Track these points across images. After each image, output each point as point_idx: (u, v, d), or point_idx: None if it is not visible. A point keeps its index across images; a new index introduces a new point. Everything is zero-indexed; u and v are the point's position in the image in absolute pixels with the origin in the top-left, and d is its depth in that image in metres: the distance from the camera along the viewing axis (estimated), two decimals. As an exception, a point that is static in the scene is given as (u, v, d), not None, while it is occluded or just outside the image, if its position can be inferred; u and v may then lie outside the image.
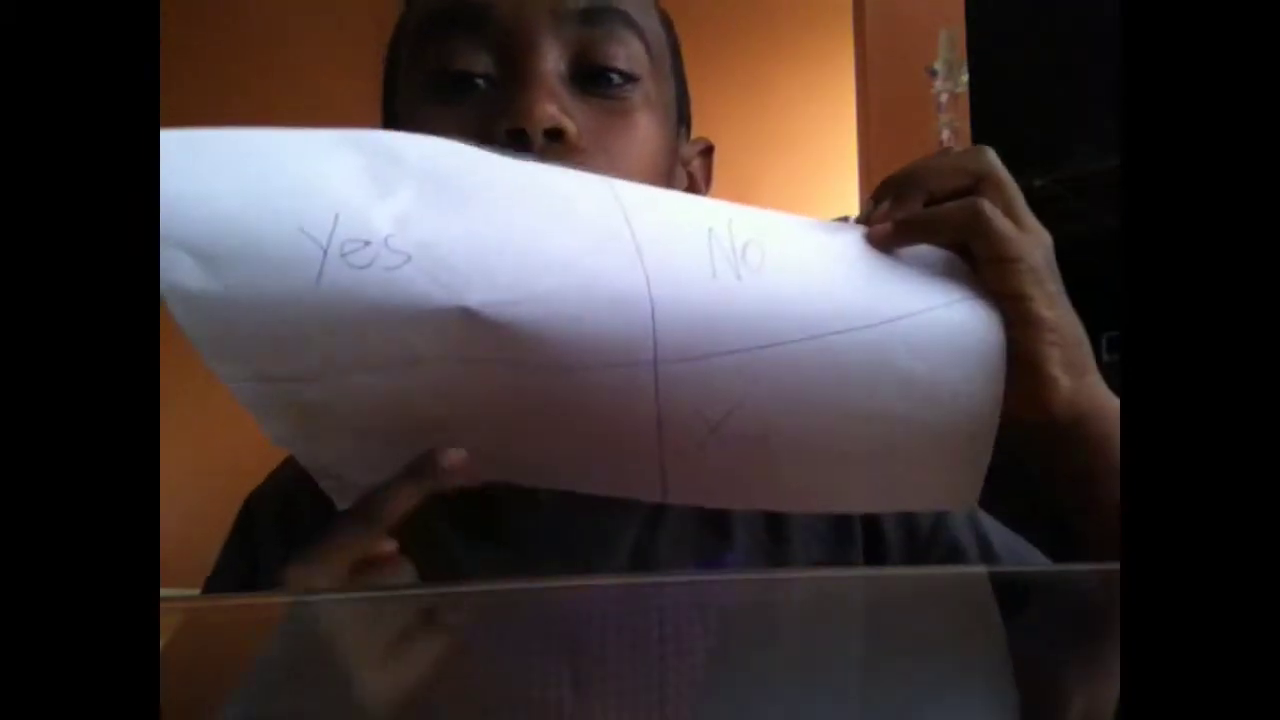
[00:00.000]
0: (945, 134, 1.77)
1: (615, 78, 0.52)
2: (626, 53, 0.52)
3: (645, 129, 0.53)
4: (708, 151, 0.62)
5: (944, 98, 1.79)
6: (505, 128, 0.48)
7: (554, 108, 0.49)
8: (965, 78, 1.64)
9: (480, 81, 0.51)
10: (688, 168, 0.61)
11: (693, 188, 0.61)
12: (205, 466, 2.25)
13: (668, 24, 0.58)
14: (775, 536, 0.55)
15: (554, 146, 0.49)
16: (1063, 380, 0.44)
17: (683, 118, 0.59)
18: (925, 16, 2.03)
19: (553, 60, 0.50)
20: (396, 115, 0.56)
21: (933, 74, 1.80)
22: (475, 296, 0.37)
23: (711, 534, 0.55)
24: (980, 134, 1.54)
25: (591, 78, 0.51)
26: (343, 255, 0.36)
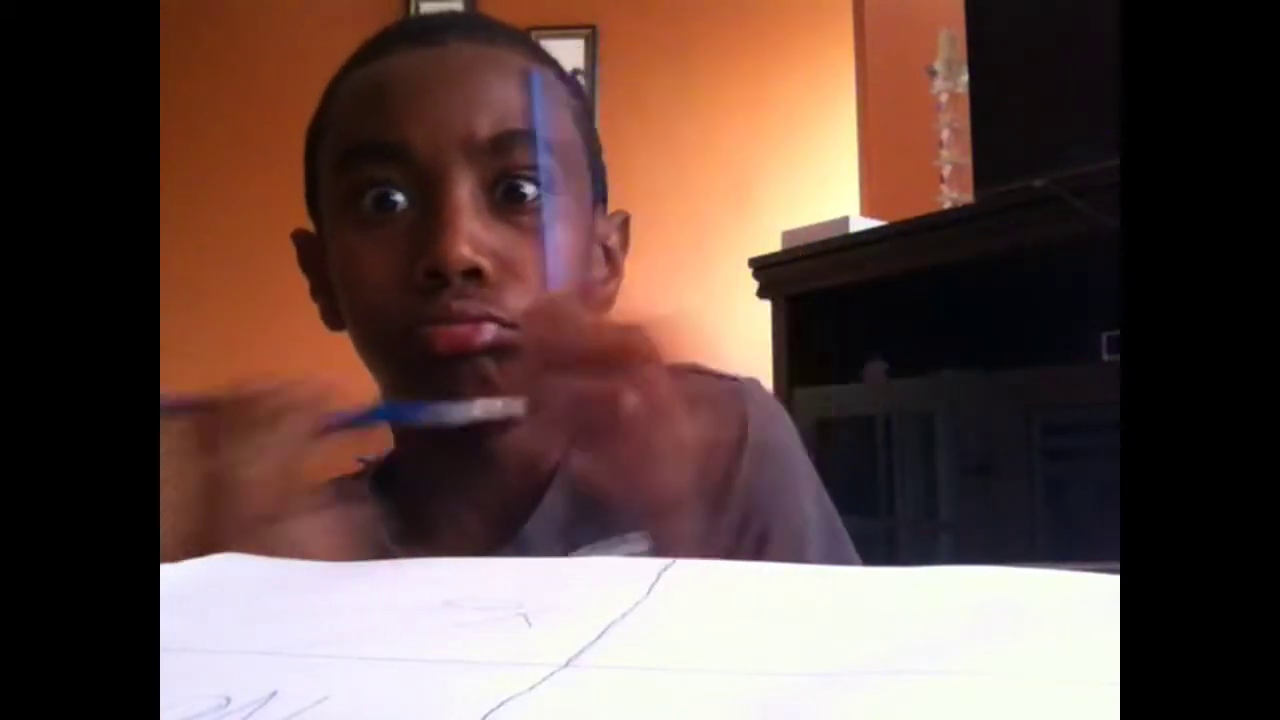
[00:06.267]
0: (945, 134, 1.77)
1: (528, 195, 0.55)
2: (535, 171, 0.56)
3: (558, 238, 0.56)
4: (625, 223, 0.67)
5: (944, 98, 1.79)
6: (424, 268, 0.52)
7: (468, 250, 0.52)
8: (965, 78, 1.64)
9: (400, 202, 0.55)
10: (605, 243, 0.65)
11: (610, 259, 0.65)
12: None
13: (577, 99, 0.62)
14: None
15: (470, 283, 0.53)
16: None
17: (599, 197, 0.64)
18: (925, 16, 2.03)
19: (467, 191, 0.54)
20: (321, 223, 0.60)
21: (933, 74, 1.80)
22: None
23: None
24: (980, 134, 1.54)
25: (506, 198, 0.55)
26: None
